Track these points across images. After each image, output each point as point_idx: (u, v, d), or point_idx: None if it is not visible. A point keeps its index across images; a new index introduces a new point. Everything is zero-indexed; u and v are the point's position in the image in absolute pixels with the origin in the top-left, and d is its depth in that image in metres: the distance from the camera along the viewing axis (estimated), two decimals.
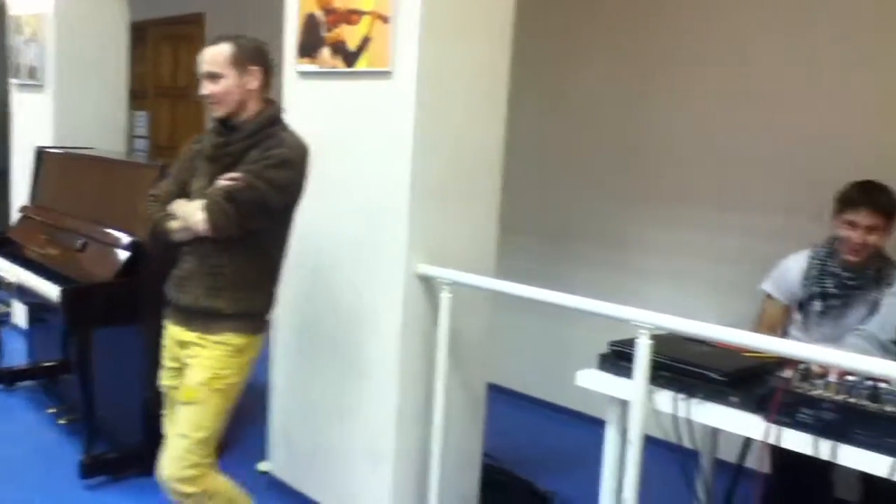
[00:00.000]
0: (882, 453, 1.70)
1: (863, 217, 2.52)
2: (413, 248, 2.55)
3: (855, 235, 2.53)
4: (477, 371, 2.85)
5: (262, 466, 3.23)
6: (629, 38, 3.89)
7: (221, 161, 2.21)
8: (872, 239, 2.53)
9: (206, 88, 2.20)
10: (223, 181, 2.16)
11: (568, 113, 4.13)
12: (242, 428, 3.33)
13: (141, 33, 6.30)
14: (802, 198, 3.17)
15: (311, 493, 2.99)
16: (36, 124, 4.77)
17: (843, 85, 3.19)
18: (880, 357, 2.28)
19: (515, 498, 3.07)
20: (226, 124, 2.23)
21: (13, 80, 5.09)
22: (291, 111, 2.87)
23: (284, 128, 2.26)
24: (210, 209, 2.12)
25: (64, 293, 2.99)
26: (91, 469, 3.13)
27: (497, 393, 3.86)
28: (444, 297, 2.57)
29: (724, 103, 3.54)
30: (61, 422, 3.60)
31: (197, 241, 2.20)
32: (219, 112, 2.21)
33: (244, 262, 2.24)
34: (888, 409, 1.75)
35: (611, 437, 2.22)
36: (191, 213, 2.17)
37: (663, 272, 3.79)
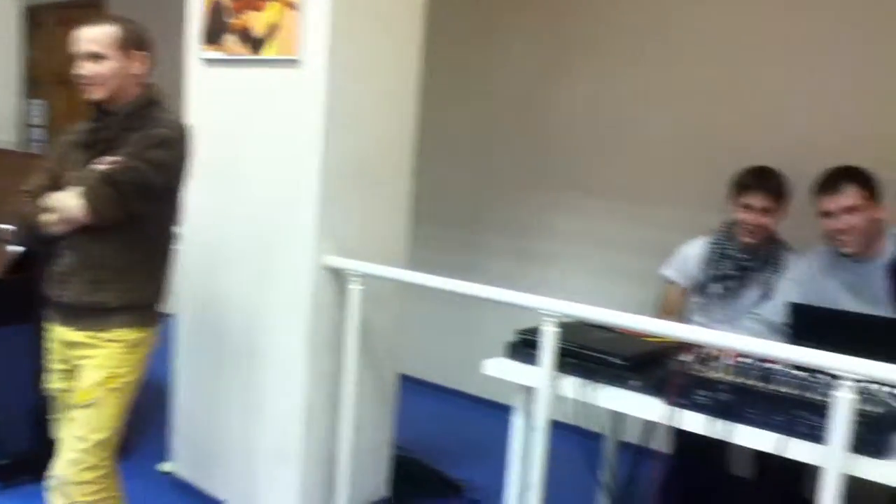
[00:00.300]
0: (770, 430, 1.79)
1: (757, 200, 2.66)
2: (321, 240, 2.52)
3: (750, 218, 2.67)
4: (387, 363, 2.84)
5: (165, 467, 3.12)
6: (539, 26, 3.94)
7: (97, 147, 2.10)
8: (766, 221, 2.68)
9: (86, 69, 2.08)
10: (100, 165, 2.05)
11: (478, 100, 4.16)
12: (141, 427, 3.22)
13: (37, 18, 5.98)
14: (701, 188, 3.29)
15: (216, 492, 2.92)
16: None
17: (740, 82, 3.34)
18: (773, 339, 2.41)
19: (427, 488, 3.08)
20: (101, 109, 2.13)
21: None
22: (196, 99, 2.81)
23: (163, 110, 2.17)
24: (88, 194, 2.02)
25: None
26: None
27: (409, 383, 3.87)
28: (354, 289, 2.55)
29: (630, 94, 3.64)
30: None
31: (75, 234, 2.08)
32: (96, 95, 2.09)
33: (127, 252, 2.13)
34: (777, 388, 1.84)
35: (518, 424, 2.26)
36: (66, 202, 2.05)
37: (572, 260, 3.87)
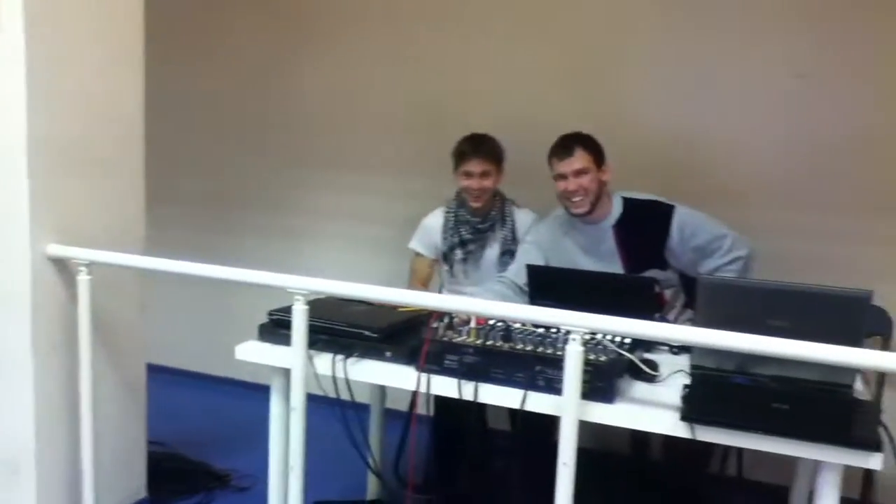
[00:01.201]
0: (514, 387, 1.88)
1: (475, 165, 2.83)
2: (39, 227, 2.25)
3: (473, 183, 2.84)
4: (133, 356, 2.63)
5: None
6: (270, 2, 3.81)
7: None
8: (487, 183, 2.86)
9: None
10: None
11: (220, 73, 3.95)
12: None
13: None
14: (441, 158, 3.36)
15: None
16: None
17: (467, 57, 3.45)
18: (518, 300, 2.54)
19: (190, 483, 2.92)
20: None
21: None
22: None
23: None
24: None
25: None
26: None
27: (165, 374, 3.64)
28: (82, 279, 2.30)
29: (365, 71, 3.64)
30: None
31: None
32: None
33: None
34: (516, 347, 1.92)
35: (276, 405, 2.18)
36: None
37: (326, 236, 3.83)
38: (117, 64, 2.42)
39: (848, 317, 1.80)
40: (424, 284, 2.96)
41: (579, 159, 2.58)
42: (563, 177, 2.60)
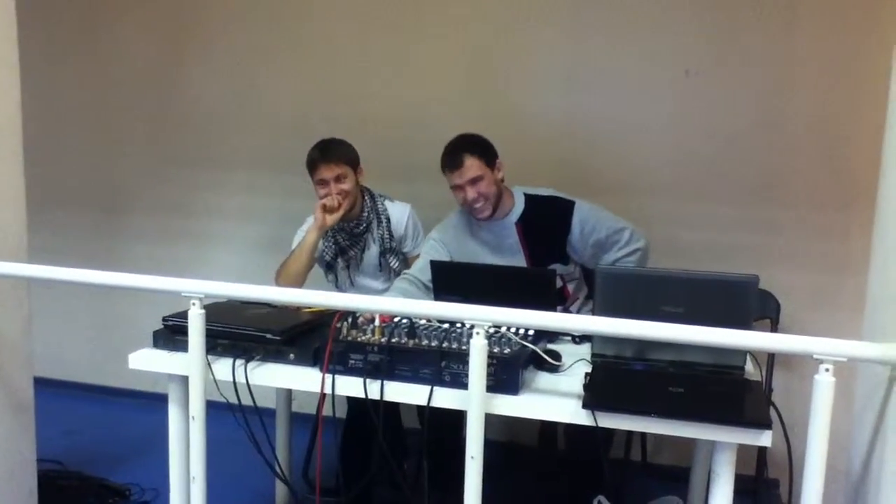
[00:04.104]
0: (421, 384, 1.87)
1: (326, 171, 2.73)
2: None
3: (329, 190, 2.73)
4: (18, 369, 2.47)
5: None
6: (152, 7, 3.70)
7: None
8: (345, 187, 2.74)
9: None
10: None
11: (107, 72, 3.79)
12: None
13: None
14: None
15: None
16: None
17: (364, 47, 3.44)
18: (423, 297, 2.53)
19: (86, 501, 2.77)
20: None
21: None
22: None
23: None
24: None
25: None
26: None
27: (55, 387, 3.46)
28: None
29: (259, 67, 3.58)
30: None
31: None
32: None
33: None
34: (421, 343, 1.91)
35: (174, 415, 2.10)
36: None
37: (220, 237, 3.74)
38: None
39: (737, 301, 1.88)
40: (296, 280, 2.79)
41: (471, 168, 2.55)
42: (459, 188, 2.59)
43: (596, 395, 1.74)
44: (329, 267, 2.93)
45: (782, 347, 1.76)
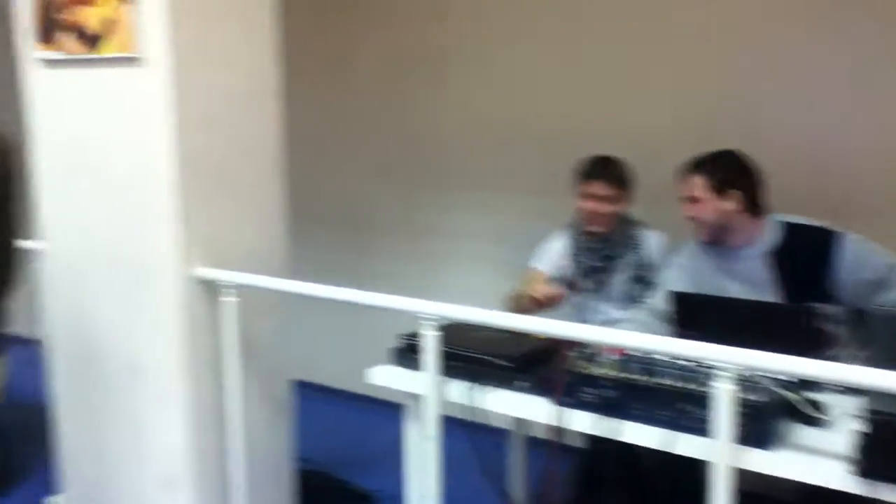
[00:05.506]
0: (657, 426, 1.73)
1: (600, 188, 2.68)
2: (186, 250, 2.33)
3: (592, 206, 2.70)
4: (277, 373, 2.68)
5: (53, 501, 2.90)
6: (411, 17, 3.79)
7: None
8: (608, 209, 2.69)
9: None
10: None
11: (355, 96, 3.98)
12: (25, 459, 2.98)
13: None
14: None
15: None
16: None
17: (614, 69, 3.26)
18: (661, 329, 2.35)
19: (334, 502, 2.94)
20: None
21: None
22: (37, 103, 2.56)
23: None
24: None
25: None
26: None
27: (306, 390, 3.70)
28: (229, 301, 2.37)
29: (509, 87, 3.53)
30: None
31: None
32: None
33: None
34: (660, 381, 1.77)
35: (410, 430, 2.15)
36: None
37: (463, 258, 3.75)
38: (252, 90, 2.47)
39: None
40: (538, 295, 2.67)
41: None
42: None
43: (876, 461, 1.48)
44: (572, 286, 2.83)
45: None
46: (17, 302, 2.07)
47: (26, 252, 2.56)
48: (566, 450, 1.99)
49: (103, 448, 2.67)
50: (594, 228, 2.73)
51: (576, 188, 2.75)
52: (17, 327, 2.71)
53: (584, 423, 1.83)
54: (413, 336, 2.09)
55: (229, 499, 2.51)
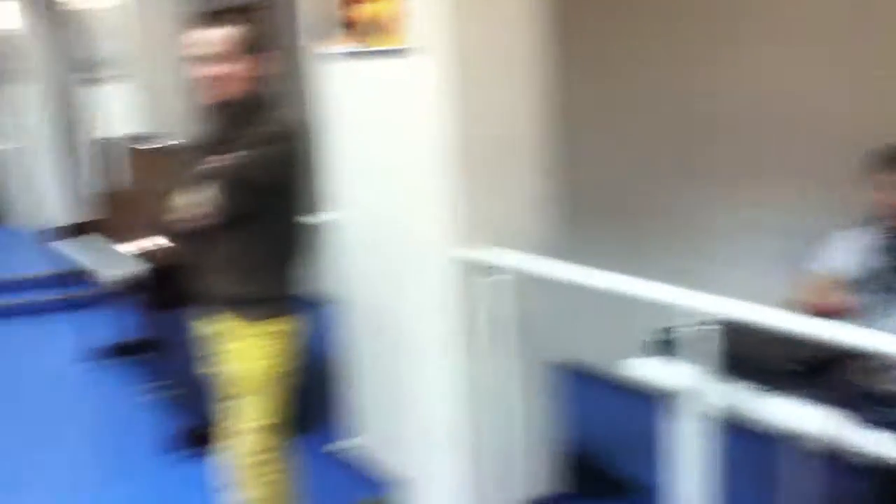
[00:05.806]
0: None
1: None
2: (464, 232, 2.46)
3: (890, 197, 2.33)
4: (545, 354, 2.74)
5: (340, 445, 3.23)
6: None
7: (212, 146, 2.16)
8: None
9: (208, 70, 2.10)
10: (212, 164, 2.11)
11: (630, 90, 3.75)
12: (313, 409, 3.33)
13: None
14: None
15: (397, 471, 2.98)
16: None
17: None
18: None
19: (597, 488, 2.90)
20: (217, 109, 2.17)
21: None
22: (327, 95, 2.86)
23: (273, 107, 2.19)
24: (204, 194, 2.08)
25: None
26: (181, 442, 3.30)
27: (570, 374, 3.66)
28: (501, 280, 2.45)
29: (783, 69, 3.16)
30: (149, 397, 3.78)
31: (210, 230, 2.14)
32: (215, 96, 2.13)
33: (253, 246, 2.18)
34: None
35: (677, 427, 2.05)
36: (186, 203, 2.12)
37: (721, 253, 3.47)
38: (522, 80, 2.51)
39: None
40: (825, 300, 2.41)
41: None
42: None
43: None
44: (861, 286, 2.49)
45: None
46: (306, 268, 2.31)
47: (317, 224, 2.81)
48: (856, 469, 1.79)
49: (390, 406, 2.96)
50: (889, 223, 2.37)
51: (874, 173, 2.38)
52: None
53: (869, 442, 1.64)
54: (671, 331, 2.01)
55: (497, 469, 2.66)
